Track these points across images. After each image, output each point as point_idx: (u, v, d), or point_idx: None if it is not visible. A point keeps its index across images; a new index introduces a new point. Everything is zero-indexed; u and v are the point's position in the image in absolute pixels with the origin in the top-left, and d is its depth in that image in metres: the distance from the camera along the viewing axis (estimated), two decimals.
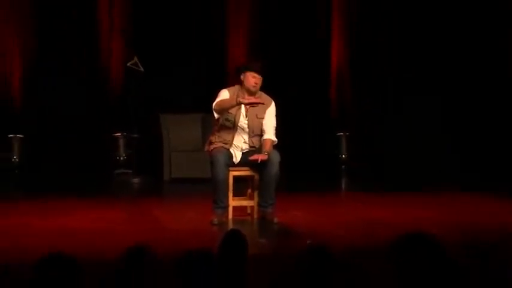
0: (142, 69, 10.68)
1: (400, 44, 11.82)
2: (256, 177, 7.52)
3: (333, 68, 12.02)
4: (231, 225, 7.28)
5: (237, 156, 7.51)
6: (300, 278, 3.66)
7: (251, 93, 7.40)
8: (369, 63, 11.87)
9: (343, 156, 11.59)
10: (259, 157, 7.27)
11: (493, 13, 11.58)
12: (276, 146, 7.50)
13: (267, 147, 7.37)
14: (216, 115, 7.45)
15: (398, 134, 11.64)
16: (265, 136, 7.45)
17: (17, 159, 10.96)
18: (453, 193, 9.46)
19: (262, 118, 7.47)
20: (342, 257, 4.11)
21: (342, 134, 11.63)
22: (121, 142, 11.08)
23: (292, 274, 3.73)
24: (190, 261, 3.69)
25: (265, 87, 7.54)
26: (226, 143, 7.46)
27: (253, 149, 7.47)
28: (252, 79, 7.38)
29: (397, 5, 11.82)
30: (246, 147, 7.52)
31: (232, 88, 7.51)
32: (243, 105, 7.39)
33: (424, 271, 3.47)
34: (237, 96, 7.33)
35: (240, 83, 7.48)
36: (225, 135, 7.48)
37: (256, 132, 7.49)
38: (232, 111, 7.41)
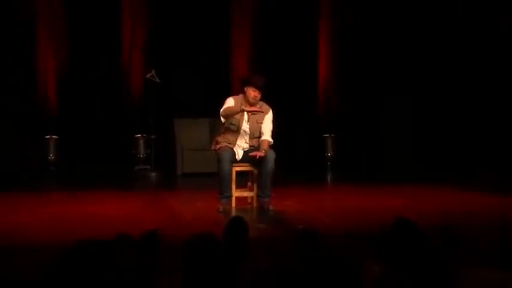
0: (158, 80, 10.67)
1: (379, 59, 11.78)
2: (255, 172, 7.53)
3: (320, 80, 12.02)
4: (234, 213, 7.29)
5: (239, 154, 7.52)
6: (298, 256, 3.65)
7: (252, 103, 7.41)
8: (352, 77, 11.85)
9: (329, 154, 11.58)
10: (258, 154, 7.30)
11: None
12: (272, 146, 7.50)
13: (265, 146, 7.39)
14: (222, 120, 7.46)
15: (377, 134, 11.63)
16: (263, 137, 7.46)
17: (52, 157, 10.94)
18: (424, 185, 9.44)
19: (261, 123, 7.48)
20: (329, 239, 4.11)
21: (327, 135, 11.62)
22: (141, 142, 11.08)
23: (291, 253, 3.73)
24: (197, 243, 3.69)
25: (264, 96, 7.54)
26: (230, 143, 7.47)
27: (253, 148, 7.48)
28: (252, 92, 7.39)
29: (376, 21, 11.76)
30: (247, 146, 7.53)
31: (236, 97, 7.51)
32: (245, 112, 7.40)
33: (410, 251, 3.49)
34: (241, 104, 7.34)
35: (244, 92, 7.47)
36: (230, 137, 7.48)
37: (256, 134, 7.50)
38: (236, 116, 7.41)
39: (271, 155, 7.39)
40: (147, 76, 10.74)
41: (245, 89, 7.43)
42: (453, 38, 11.47)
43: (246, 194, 7.74)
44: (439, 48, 11.58)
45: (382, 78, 11.77)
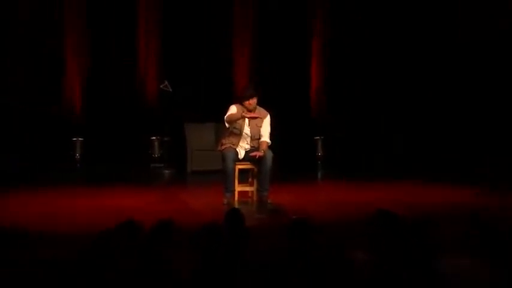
0: (171, 89, 10.65)
1: (363, 70, 11.73)
2: (256, 169, 7.55)
3: (312, 89, 12.01)
4: (237, 205, 7.28)
5: (242, 154, 7.53)
6: (292, 242, 3.65)
7: (251, 111, 7.43)
8: (339, 86, 11.82)
9: (319, 154, 11.57)
10: (257, 154, 7.34)
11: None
12: (270, 146, 7.51)
13: (263, 147, 7.41)
14: (226, 125, 7.48)
15: (361, 137, 11.61)
16: (262, 139, 7.49)
17: (78, 157, 10.96)
18: (403, 181, 9.34)
19: (261, 126, 7.51)
20: (319, 227, 4.09)
21: (318, 138, 11.61)
22: (155, 144, 11.09)
23: (283, 242, 3.72)
24: (204, 232, 3.71)
25: (262, 101, 7.54)
26: (233, 144, 7.48)
27: (254, 149, 7.49)
28: (247, 102, 7.39)
29: (360, 37, 11.70)
30: (248, 147, 7.54)
31: (238, 104, 7.51)
32: (246, 118, 7.42)
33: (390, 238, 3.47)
34: (242, 111, 7.37)
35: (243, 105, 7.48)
36: (233, 139, 7.49)
37: (256, 137, 7.51)
38: (239, 121, 7.45)
39: (269, 155, 7.40)
40: (161, 86, 10.74)
41: (243, 103, 7.44)
42: (453, 38, 10.93)
43: (247, 188, 7.74)
44: (437, 48, 11.17)
45: (370, 85, 11.66)
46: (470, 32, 10.60)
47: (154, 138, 11.09)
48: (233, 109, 7.46)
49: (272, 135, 7.58)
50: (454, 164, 10.29)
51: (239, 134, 7.49)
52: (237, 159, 7.50)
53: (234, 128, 7.47)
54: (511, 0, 10.16)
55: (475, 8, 10.57)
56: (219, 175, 7.91)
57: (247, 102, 7.37)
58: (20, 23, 10.94)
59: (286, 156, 10.74)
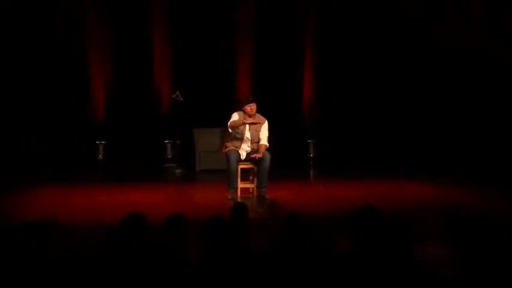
0: (182, 99, 10.64)
1: (352, 81, 11.67)
2: (255, 169, 7.56)
3: (305, 98, 11.98)
4: (239, 200, 7.26)
5: (243, 155, 7.55)
6: (287, 233, 3.65)
7: (251, 116, 7.43)
8: (330, 94, 11.78)
9: (311, 155, 11.55)
10: (257, 155, 7.37)
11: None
12: (268, 149, 7.52)
13: (262, 149, 7.45)
14: (230, 130, 7.51)
15: (350, 140, 11.58)
16: (261, 142, 7.53)
17: (101, 158, 10.96)
18: (392, 180, 9.08)
19: (260, 131, 7.54)
20: (311, 220, 4.09)
21: (310, 141, 11.59)
22: (168, 146, 11.10)
23: (279, 232, 3.72)
24: (212, 224, 3.71)
25: (261, 109, 7.55)
26: (236, 147, 7.50)
27: (254, 151, 7.50)
28: (249, 107, 7.40)
29: (350, 51, 11.63)
30: (249, 149, 7.57)
31: (239, 112, 7.53)
32: (247, 124, 7.43)
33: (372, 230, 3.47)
34: (243, 118, 7.42)
35: (243, 110, 7.49)
36: (236, 142, 7.52)
37: (255, 140, 7.54)
38: (240, 127, 7.45)
39: (267, 156, 7.43)
40: (173, 96, 10.72)
41: (243, 108, 7.45)
42: (439, 46, 10.42)
43: (248, 185, 7.75)
44: (426, 52, 10.73)
45: (357, 93, 11.58)
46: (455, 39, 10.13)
47: (167, 141, 11.09)
48: (235, 116, 7.49)
49: (269, 138, 7.63)
50: (439, 163, 10.23)
51: (241, 138, 7.53)
52: (239, 160, 7.52)
53: (237, 132, 7.50)
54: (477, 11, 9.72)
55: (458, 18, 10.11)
56: (224, 174, 7.91)
57: (248, 107, 7.40)
58: (52, 40, 10.96)
59: (282, 157, 10.73)
